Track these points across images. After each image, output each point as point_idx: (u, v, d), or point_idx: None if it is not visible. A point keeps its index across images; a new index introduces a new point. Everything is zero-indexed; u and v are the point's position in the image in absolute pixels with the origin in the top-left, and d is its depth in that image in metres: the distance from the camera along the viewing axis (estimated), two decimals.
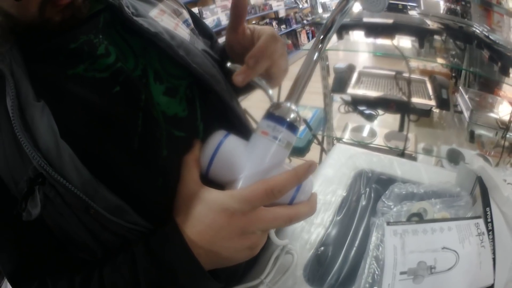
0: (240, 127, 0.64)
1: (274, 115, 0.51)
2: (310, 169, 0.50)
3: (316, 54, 0.55)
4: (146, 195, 0.54)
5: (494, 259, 0.63)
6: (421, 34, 1.86)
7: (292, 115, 0.51)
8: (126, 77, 0.55)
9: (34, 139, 0.46)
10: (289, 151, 0.52)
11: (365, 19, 1.86)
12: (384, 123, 2.06)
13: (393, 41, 1.88)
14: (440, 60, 2.09)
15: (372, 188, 0.97)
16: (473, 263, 0.63)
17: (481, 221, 0.68)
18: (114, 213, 0.49)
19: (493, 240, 0.65)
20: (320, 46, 0.56)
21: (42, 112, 0.48)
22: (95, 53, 0.54)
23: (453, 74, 2.19)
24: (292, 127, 0.51)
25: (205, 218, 0.48)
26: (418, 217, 0.77)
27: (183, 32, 0.69)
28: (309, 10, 6.91)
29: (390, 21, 1.84)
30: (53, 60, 0.53)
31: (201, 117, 0.62)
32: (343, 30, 1.94)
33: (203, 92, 0.62)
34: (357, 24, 1.89)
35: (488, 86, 1.91)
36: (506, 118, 1.57)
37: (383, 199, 0.86)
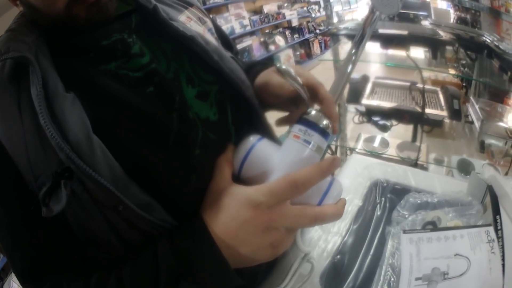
0: (264, 132, 0.62)
1: (307, 120, 0.52)
2: (333, 163, 0.49)
3: (350, 67, 0.56)
4: (176, 193, 0.53)
5: (503, 265, 0.64)
6: (435, 45, 1.87)
7: (324, 122, 0.52)
8: (160, 79, 0.55)
9: (63, 131, 0.44)
10: (320, 156, 0.53)
11: (381, 31, 1.86)
12: (396, 133, 2.05)
13: (408, 52, 1.87)
14: (451, 71, 2.09)
15: (387, 198, 0.97)
16: (483, 269, 0.64)
17: (491, 229, 0.68)
18: (143, 210, 0.48)
19: (502, 247, 0.66)
20: (353, 58, 0.57)
21: (72, 104, 0.47)
22: (129, 52, 0.54)
23: (464, 84, 2.18)
24: (323, 132, 0.52)
25: (230, 210, 0.48)
26: (433, 225, 0.78)
27: (211, 38, 0.68)
28: (322, 19, 6.80)
29: (405, 32, 1.85)
30: (83, 55, 0.52)
31: (232, 120, 0.62)
32: None
33: (233, 97, 0.62)
34: (373, 35, 1.88)
35: (498, 95, 1.91)
36: None
37: (398, 208, 0.86)
